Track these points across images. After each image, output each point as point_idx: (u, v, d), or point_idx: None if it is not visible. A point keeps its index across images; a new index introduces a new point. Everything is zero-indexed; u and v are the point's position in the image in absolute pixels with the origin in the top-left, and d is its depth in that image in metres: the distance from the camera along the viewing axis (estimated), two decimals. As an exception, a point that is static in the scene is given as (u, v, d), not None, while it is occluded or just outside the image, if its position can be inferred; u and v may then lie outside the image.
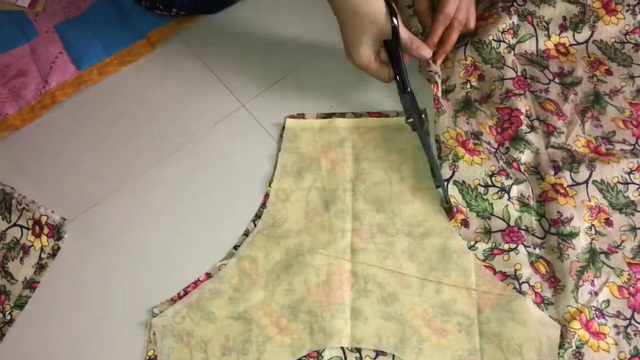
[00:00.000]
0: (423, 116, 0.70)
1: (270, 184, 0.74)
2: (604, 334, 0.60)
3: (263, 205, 0.72)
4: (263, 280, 0.67)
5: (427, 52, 0.70)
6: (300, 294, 0.66)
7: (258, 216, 0.72)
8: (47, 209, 0.72)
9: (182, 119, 0.80)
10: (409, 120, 0.71)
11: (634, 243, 0.65)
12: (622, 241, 0.65)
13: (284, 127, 0.77)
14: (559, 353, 0.60)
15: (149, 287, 0.68)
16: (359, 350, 0.63)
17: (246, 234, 0.71)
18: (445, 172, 0.69)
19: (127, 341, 0.66)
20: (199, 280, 0.68)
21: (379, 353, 0.63)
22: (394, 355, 0.62)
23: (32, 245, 0.70)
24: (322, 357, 0.63)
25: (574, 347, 0.60)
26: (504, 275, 0.64)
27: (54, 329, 0.67)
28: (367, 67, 0.69)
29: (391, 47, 0.68)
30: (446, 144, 0.69)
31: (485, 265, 0.65)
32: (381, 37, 0.67)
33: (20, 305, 0.68)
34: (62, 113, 0.82)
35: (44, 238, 0.70)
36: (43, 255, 0.70)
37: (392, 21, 0.65)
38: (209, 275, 0.68)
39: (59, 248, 0.71)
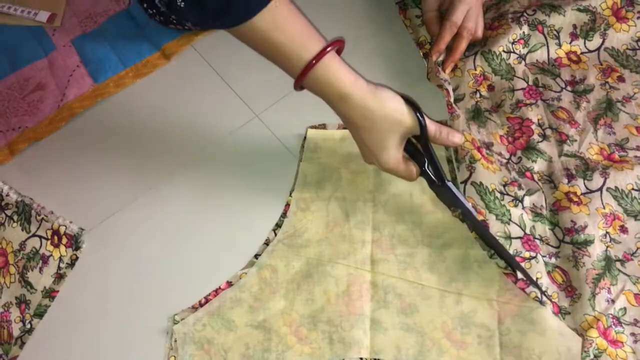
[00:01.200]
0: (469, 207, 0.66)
1: (291, 193, 0.74)
2: (622, 342, 0.61)
3: (284, 215, 0.73)
4: (283, 289, 0.68)
5: (458, 138, 0.67)
6: (320, 303, 0.67)
7: (279, 225, 0.72)
8: (65, 219, 0.73)
9: (197, 129, 0.81)
10: (457, 213, 0.68)
11: None
12: (638, 248, 0.65)
13: (305, 137, 0.78)
14: None
15: (169, 295, 0.69)
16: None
17: (267, 243, 0.71)
18: (463, 173, 0.69)
19: (148, 348, 0.66)
20: (219, 288, 0.69)
21: (398, 362, 0.63)
22: (415, 365, 0.63)
23: (51, 255, 0.71)
24: (342, 366, 0.63)
25: (592, 356, 0.60)
26: (526, 284, 0.64)
27: (74, 337, 0.68)
28: (396, 170, 0.66)
29: (420, 141, 0.65)
30: (462, 146, 0.70)
31: (506, 273, 0.65)
32: (407, 135, 0.64)
33: (39, 314, 0.69)
34: (80, 125, 0.83)
35: (62, 248, 0.71)
36: (62, 265, 0.71)
37: (417, 117, 0.62)
38: (229, 284, 0.69)
39: (77, 258, 0.72)
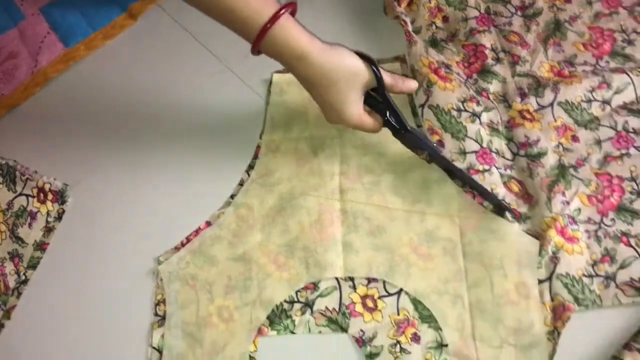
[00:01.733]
0: (435, 144, 0.70)
1: (260, 136, 0.78)
2: (577, 239, 0.65)
3: (255, 157, 0.77)
4: (259, 224, 0.72)
5: (414, 83, 0.70)
6: (295, 233, 0.71)
7: (251, 167, 0.76)
8: (49, 177, 0.77)
9: (170, 83, 0.85)
10: (424, 155, 0.71)
11: (600, 155, 0.69)
12: (589, 154, 0.69)
13: (271, 82, 0.81)
14: (538, 261, 0.64)
15: (153, 239, 0.73)
16: (352, 279, 0.68)
17: (241, 183, 0.75)
18: (420, 98, 0.73)
19: (137, 289, 0.71)
20: (199, 228, 0.73)
21: (370, 280, 0.67)
22: (384, 281, 0.67)
23: (39, 211, 0.75)
24: (318, 287, 0.68)
25: (550, 254, 0.64)
26: (482, 203, 0.68)
27: (66, 284, 0.72)
28: (361, 124, 0.67)
29: (378, 93, 0.67)
30: (420, 71, 0.73)
31: (465, 191, 0.69)
32: (365, 88, 0.66)
33: (33, 265, 0.73)
34: (55, 89, 0.86)
35: (49, 204, 0.75)
36: (49, 219, 0.75)
37: (373, 70, 0.64)
38: (208, 224, 0.73)
39: (64, 211, 0.76)
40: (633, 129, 0.70)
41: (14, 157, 0.79)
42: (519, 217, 0.67)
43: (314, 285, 0.68)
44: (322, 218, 0.71)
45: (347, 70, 0.64)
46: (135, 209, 0.76)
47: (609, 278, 0.63)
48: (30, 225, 0.74)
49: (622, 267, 0.63)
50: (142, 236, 0.74)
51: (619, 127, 0.70)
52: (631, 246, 0.64)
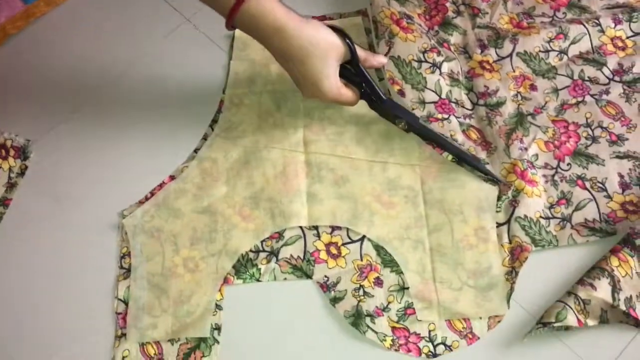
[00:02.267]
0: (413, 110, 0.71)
1: (224, 91, 0.78)
2: (536, 182, 0.67)
3: (219, 111, 0.77)
4: (224, 177, 0.72)
5: (384, 58, 0.71)
6: (260, 185, 0.71)
7: (215, 121, 0.76)
8: (10, 133, 0.76)
9: (132, 38, 0.84)
10: (401, 124, 0.71)
11: (557, 103, 0.71)
12: (546, 102, 0.71)
13: (233, 37, 0.81)
14: (497, 205, 0.66)
15: (117, 193, 0.73)
16: (316, 227, 0.69)
17: (205, 138, 0.75)
18: (382, 49, 0.74)
19: (101, 243, 0.70)
20: (163, 182, 0.73)
21: (334, 228, 0.69)
22: (348, 229, 0.68)
23: (0, 167, 0.74)
24: (283, 237, 0.68)
25: (510, 197, 0.66)
26: (442, 150, 0.70)
27: (30, 239, 0.72)
28: (339, 97, 0.67)
29: (352, 66, 0.67)
30: (382, 22, 0.74)
31: (426, 142, 0.71)
32: (340, 61, 0.66)
33: None
34: (16, 46, 0.85)
35: (10, 160, 0.74)
36: (12, 175, 0.74)
37: (347, 43, 0.65)
38: (172, 178, 0.73)
39: (26, 167, 0.75)
40: (589, 77, 0.71)
41: (-26, 112, 0.79)
42: (508, 187, 0.68)
43: (279, 235, 0.68)
44: (286, 170, 0.72)
45: (323, 43, 0.63)
46: (98, 165, 0.75)
47: (565, 219, 0.65)
48: None
49: (577, 209, 0.65)
50: (105, 191, 0.73)
51: (575, 76, 0.72)
52: (586, 189, 0.66)
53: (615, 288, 0.59)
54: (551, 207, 0.66)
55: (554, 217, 0.66)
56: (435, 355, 0.62)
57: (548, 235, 0.65)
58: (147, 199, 0.72)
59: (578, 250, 0.65)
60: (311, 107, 0.75)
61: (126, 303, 0.66)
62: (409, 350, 0.62)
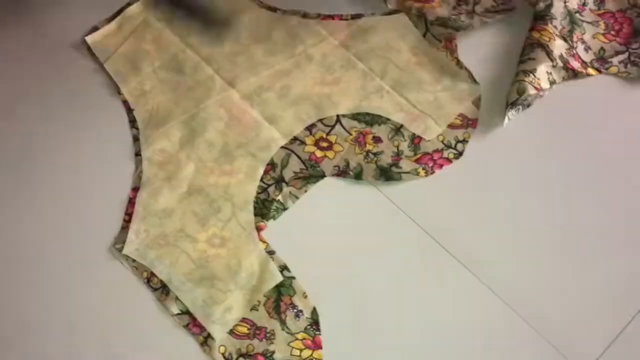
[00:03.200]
0: None
1: (119, 92, 0.73)
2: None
3: (130, 110, 0.72)
4: (183, 156, 0.69)
5: None
6: (220, 141, 0.69)
7: (133, 121, 0.71)
8: None
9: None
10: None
11: None
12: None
13: (88, 47, 0.76)
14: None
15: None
16: (295, 138, 0.69)
17: (136, 139, 0.70)
18: None
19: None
20: (131, 198, 0.67)
21: (309, 128, 0.70)
22: (321, 121, 0.70)
23: None
24: (276, 163, 0.68)
25: (415, 12, 0.75)
26: (344, 17, 0.75)
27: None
28: None
29: None
30: None
31: (326, 17, 0.76)
32: None
33: None
34: None
35: None
36: None
37: None
38: (136, 189, 0.67)
39: None
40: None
41: None
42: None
43: (271, 165, 0.68)
44: (233, 114, 0.71)
45: None
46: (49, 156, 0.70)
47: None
48: None
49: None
50: (58, 185, 0.68)
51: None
52: None
53: (547, 52, 0.70)
54: None
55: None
56: (460, 153, 0.68)
57: (463, 22, 0.74)
58: (127, 221, 0.66)
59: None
60: (207, 53, 0.75)
61: (187, 312, 0.61)
62: (441, 166, 0.67)
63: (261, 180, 0.67)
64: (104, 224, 0.66)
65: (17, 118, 0.72)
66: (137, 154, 0.69)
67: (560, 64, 0.70)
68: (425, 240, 0.64)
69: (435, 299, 0.62)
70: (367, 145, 0.68)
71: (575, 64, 0.72)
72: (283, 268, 0.63)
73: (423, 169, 0.67)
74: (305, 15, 0.76)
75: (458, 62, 0.72)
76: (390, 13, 0.76)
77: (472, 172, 0.67)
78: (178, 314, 0.61)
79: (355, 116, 0.70)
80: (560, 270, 0.63)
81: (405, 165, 0.67)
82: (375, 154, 0.68)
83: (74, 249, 0.65)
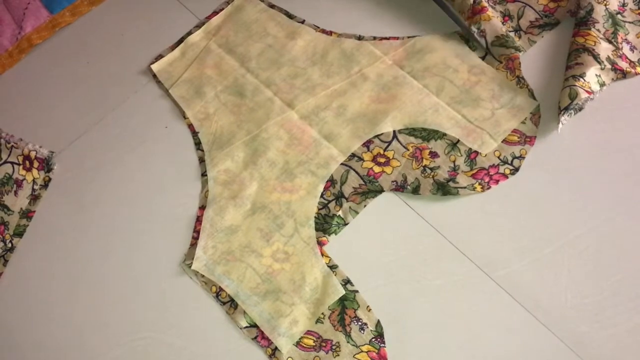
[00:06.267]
0: None
1: (184, 117, 0.77)
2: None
3: (194, 133, 0.76)
4: (247, 175, 0.72)
5: None
6: (281, 160, 0.72)
7: (198, 143, 0.75)
8: (35, 144, 0.73)
9: (154, 48, 0.84)
10: None
11: None
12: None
13: (154, 74, 0.80)
14: (470, 45, 0.76)
15: (142, 203, 0.72)
16: (352, 155, 0.71)
17: (202, 160, 0.74)
18: None
19: (129, 250, 0.70)
20: (198, 217, 0.70)
21: (367, 144, 0.72)
22: (378, 137, 0.72)
23: (25, 179, 0.71)
24: (335, 180, 0.70)
25: (476, 30, 0.76)
26: (398, 38, 0.78)
27: (54, 252, 0.69)
28: None
29: None
30: None
31: (380, 39, 0.78)
32: None
33: (19, 233, 0.69)
34: (40, 56, 0.83)
35: (34, 171, 0.72)
36: (35, 187, 0.71)
37: None
38: (203, 207, 0.71)
39: (50, 179, 0.73)
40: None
41: (-1, 126, 0.74)
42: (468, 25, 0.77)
43: (331, 182, 0.70)
44: (292, 134, 0.74)
45: None
46: (121, 175, 0.74)
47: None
48: (16, 193, 0.70)
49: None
50: (130, 201, 0.73)
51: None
52: None
53: (594, 55, 0.71)
54: None
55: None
56: (517, 170, 0.68)
57: (512, 41, 0.75)
58: (195, 238, 0.69)
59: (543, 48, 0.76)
60: (265, 77, 0.78)
61: (254, 325, 0.64)
62: (497, 182, 0.68)
63: (321, 196, 0.69)
64: (174, 242, 0.69)
65: (86, 142, 0.77)
66: (204, 174, 0.73)
67: (608, 66, 0.71)
68: (474, 272, 0.64)
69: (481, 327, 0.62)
70: (424, 160, 0.70)
71: (623, 65, 0.72)
72: (346, 282, 0.64)
73: (479, 184, 0.68)
74: (360, 38, 0.79)
75: (519, 81, 0.73)
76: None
77: (527, 188, 0.67)
78: (246, 327, 0.64)
79: (412, 132, 0.72)
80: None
81: (462, 180, 0.68)
82: (432, 169, 0.69)
83: (146, 266, 0.68)
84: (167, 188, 0.73)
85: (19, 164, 0.72)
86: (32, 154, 0.72)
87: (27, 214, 0.70)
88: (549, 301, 0.61)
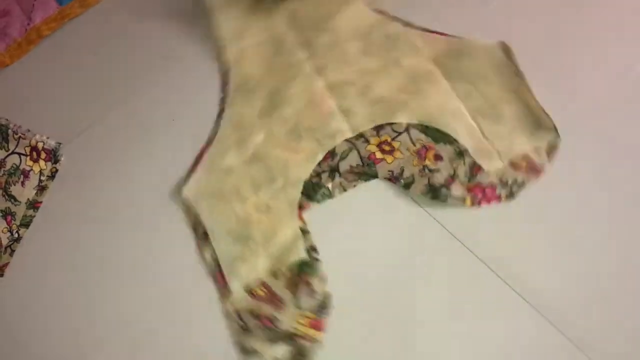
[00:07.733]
0: None
1: (224, 45, 0.81)
2: None
3: (226, 72, 0.79)
4: (257, 124, 0.75)
5: None
6: (294, 120, 0.74)
7: (226, 82, 0.78)
8: (42, 135, 0.75)
9: (162, 41, 0.85)
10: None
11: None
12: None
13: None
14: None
15: (148, 192, 0.74)
16: (361, 134, 0.72)
17: (223, 100, 0.77)
18: None
19: (130, 245, 0.71)
20: (202, 150, 0.74)
21: (378, 129, 0.72)
22: (391, 125, 0.72)
23: (32, 170, 0.74)
24: (336, 154, 0.72)
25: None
26: (447, 35, 0.77)
27: (60, 242, 0.71)
28: None
29: None
30: None
31: (428, 31, 0.78)
32: None
33: (26, 224, 0.72)
34: (49, 47, 0.85)
35: (42, 162, 0.74)
36: (43, 178, 0.74)
37: None
38: (209, 143, 0.74)
39: (57, 170, 0.75)
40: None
41: (7, 114, 0.78)
42: None
43: (331, 153, 0.72)
44: (312, 99, 0.75)
45: None
46: (128, 165, 0.76)
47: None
48: (23, 183, 0.73)
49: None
50: (136, 189, 0.74)
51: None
52: None
53: None
54: None
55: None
56: (512, 194, 0.67)
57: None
58: (194, 167, 0.73)
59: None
60: (305, 39, 0.80)
61: (217, 262, 0.67)
62: (489, 201, 0.67)
63: (318, 164, 0.71)
64: (183, 232, 0.72)
65: (94, 134, 0.78)
66: (220, 113, 0.76)
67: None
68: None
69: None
70: (427, 160, 0.70)
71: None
72: (313, 249, 0.67)
73: (470, 198, 0.67)
74: (407, 24, 0.78)
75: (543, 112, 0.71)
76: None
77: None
78: (210, 262, 0.68)
79: (425, 129, 0.72)
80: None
81: (455, 189, 0.68)
82: (431, 171, 0.69)
83: (153, 257, 0.71)
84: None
85: (26, 155, 0.74)
86: (40, 145, 0.74)
87: (34, 205, 0.73)
88: (554, 299, 0.62)
